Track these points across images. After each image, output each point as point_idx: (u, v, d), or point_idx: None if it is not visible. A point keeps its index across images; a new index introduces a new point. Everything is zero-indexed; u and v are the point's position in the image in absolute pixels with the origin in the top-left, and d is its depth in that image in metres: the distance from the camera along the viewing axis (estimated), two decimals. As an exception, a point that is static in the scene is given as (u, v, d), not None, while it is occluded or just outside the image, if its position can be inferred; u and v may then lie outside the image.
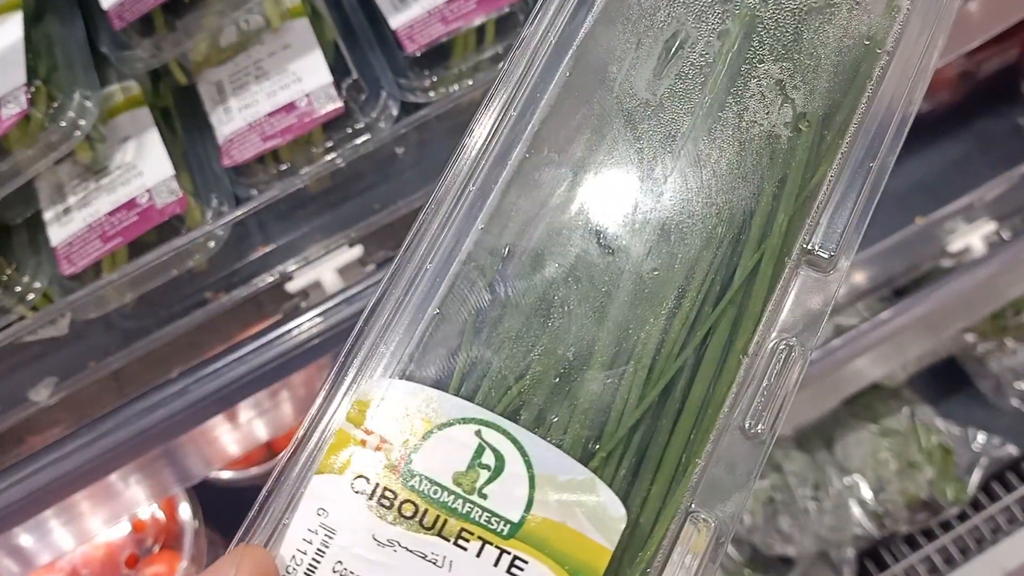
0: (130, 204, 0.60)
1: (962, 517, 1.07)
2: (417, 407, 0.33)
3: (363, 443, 0.33)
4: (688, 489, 0.33)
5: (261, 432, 0.77)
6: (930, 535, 1.07)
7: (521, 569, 0.32)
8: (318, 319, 0.64)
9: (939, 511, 1.07)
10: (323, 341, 0.65)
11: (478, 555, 0.32)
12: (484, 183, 0.36)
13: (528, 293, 0.36)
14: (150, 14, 0.59)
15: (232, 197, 0.63)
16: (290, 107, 0.63)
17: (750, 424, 0.34)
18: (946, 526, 1.07)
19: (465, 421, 0.33)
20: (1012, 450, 1.11)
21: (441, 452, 0.33)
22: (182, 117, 0.66)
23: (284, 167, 0.64)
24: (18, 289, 0.60)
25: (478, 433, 0.33)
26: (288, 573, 0.32)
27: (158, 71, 0.65)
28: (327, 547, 0.32)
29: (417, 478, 0.32)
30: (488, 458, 0.33)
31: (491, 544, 0.32)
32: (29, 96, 0.54)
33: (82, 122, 0.55)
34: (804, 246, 0.36)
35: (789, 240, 0.36)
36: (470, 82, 0.64)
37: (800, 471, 1.08)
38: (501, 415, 0.33)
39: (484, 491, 0.32)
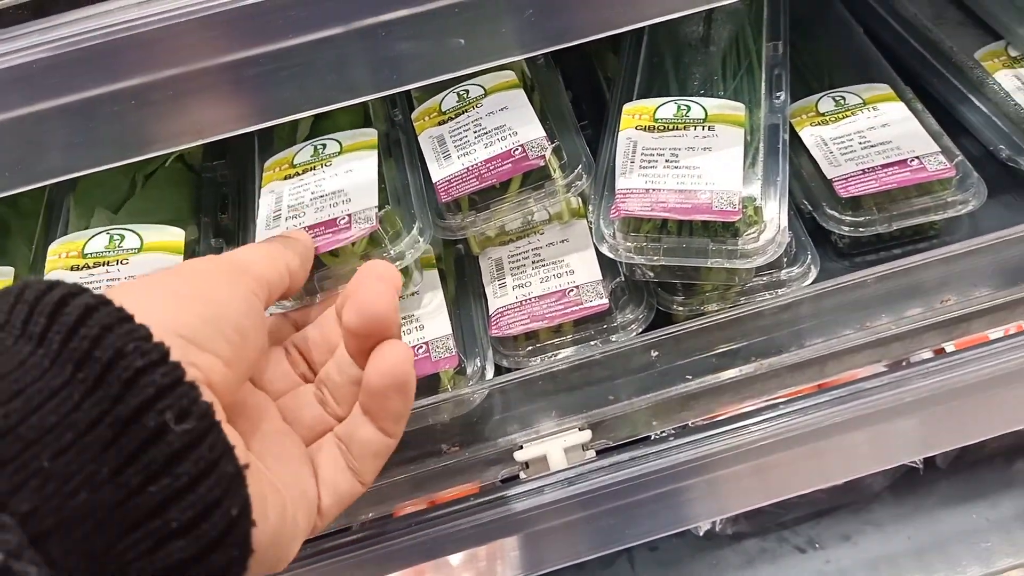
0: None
1: None
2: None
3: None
4: None
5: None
6: None
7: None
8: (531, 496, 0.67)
9: None
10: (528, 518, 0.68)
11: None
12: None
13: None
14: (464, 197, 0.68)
15: (492, 365, 0.69)
16: (560, 294, 0.69)
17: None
18: None
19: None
20: None
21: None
22: (457, 282, 0.73)
23: (539, 345, 0.70)
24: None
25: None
26: None
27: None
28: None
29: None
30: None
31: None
32: (379, 217, 0.62)
33: (409, 253, 0.62)
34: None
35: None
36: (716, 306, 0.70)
37: None
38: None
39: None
